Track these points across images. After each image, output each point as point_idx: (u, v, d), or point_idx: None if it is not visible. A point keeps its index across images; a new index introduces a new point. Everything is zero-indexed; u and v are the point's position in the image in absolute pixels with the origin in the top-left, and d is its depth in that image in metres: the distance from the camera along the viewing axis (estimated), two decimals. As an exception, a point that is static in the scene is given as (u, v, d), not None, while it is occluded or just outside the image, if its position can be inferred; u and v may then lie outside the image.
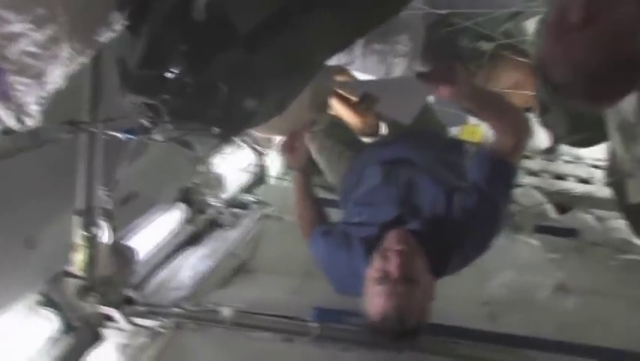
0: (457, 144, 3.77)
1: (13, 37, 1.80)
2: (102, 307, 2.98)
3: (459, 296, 3.25)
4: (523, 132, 3.12)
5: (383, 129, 4.28)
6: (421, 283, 2.70)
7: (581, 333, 3.13)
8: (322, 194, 3.95)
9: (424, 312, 2.75)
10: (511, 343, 3.03)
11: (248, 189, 5.08)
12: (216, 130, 2.30)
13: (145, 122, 2.20)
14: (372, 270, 2.72)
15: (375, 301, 2.69)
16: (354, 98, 3.56)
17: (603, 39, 1.78)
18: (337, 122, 3.86)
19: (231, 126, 2.39)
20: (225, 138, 3.09)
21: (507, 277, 3.88)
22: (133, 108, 2.20)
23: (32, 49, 1.85)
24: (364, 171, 3.50)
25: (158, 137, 2.28)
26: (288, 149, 3.47)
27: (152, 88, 2.11)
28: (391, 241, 2.76)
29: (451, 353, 2.97)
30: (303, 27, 2.25)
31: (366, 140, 3.83)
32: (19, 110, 1.97)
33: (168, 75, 2.08)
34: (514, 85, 5.14)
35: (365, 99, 3.44)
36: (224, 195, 4.59)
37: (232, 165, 4.84)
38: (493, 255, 3.24)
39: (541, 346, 3.01)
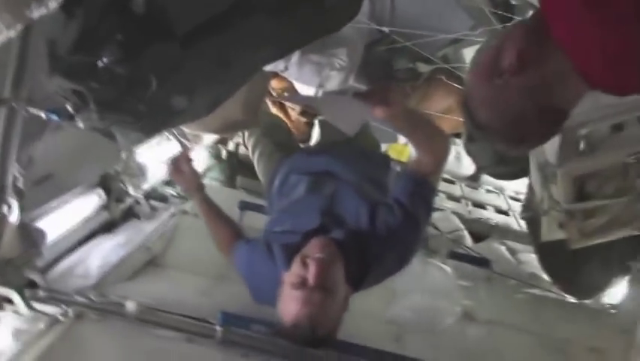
0: (384, 161, 3.85)
1: None
2: (1, 288, 2.92)
3: (366, 312, 3.25)
4: (443, 156, 3.19)
5: (313, 138, 4.31)
6: (338, 293, 2.73)
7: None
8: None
9: (336, 322, 2.80)
10: None
11: (169, 182, 5.01)
12: (140, 124, 2.28)
13: (69, 108, 2.17)
14: (291, 274, 2.74)
15: (289, 306, 2.71)
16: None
17: (530, 89, 1.81)
18: (277, 124, 3.92)
19: (156, 122, 2.38)
20: (149, 132, 3.04)
21: (415, 300, 3.92)
22: (59, 92, 2.16)
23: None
24: (289, 179, 3.54)
25: (80, 124, 2.24)
26: (176, 173, 3.44)
27: (81, 74, 2.09)
28: (313, 247, 2.79)
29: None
30: (241, 30, 2.26)
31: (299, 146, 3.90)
32: None
33: (99, 63, 2.05)
34: (446, 109, 5.26)
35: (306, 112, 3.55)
36: (145, 186, 4.55)
37: (156, 155, 4.74)
38: (404, 275, 3.31)
39: None
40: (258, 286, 3.09)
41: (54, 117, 2.28)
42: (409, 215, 2.97)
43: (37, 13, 2.12)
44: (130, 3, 2.08)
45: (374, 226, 2.97)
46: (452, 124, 5.21)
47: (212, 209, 3.44)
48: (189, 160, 3.47)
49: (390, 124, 3.02)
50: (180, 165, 3.42)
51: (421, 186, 3.05)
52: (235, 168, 5.82)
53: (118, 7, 2.10)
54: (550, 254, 3.88)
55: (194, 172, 3.47)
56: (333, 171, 3.45)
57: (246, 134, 4.29)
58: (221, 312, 2.96)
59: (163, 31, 2.10)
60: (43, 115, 2.38)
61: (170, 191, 4.88)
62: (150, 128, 2.53)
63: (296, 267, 2.75)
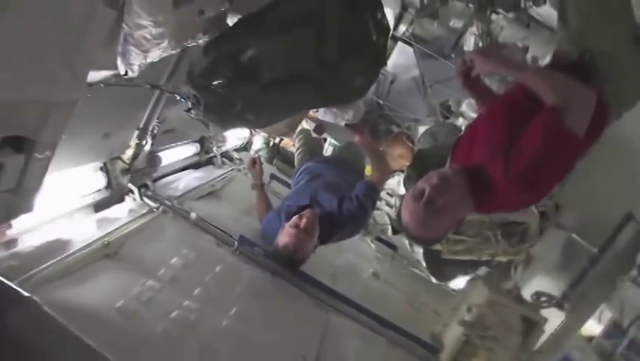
0: (358, 172, 3.87)
1: (140, 27, 1.85)
2: (130, 184, 3.02)
3: (320, 257, 3.29)
4: (386, 176, 3.54)
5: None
6: (312, 239, 2.92)
7: (374, 304, 3.22)
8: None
9: (306, 256, 2.96)
10: (334, 295, 3.08)
11: (237, 149, 5.04)
12: (222, 124, 2.38)
13: (189, 104, 2.26)
14: (291, 221, 2.94)
15: (285, 237, 2.89)
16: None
17: (442, 211, 1.75)
18: (312, 138, 4.04)
19: (232, 125, 2.47)
20: (225, 128, 3.21)
21: (350, 258, 3.97)
22: (187, 93, 2.25)
23: (148, 36, 1.90)
24: (302, 174, 3.67)
25: (192, 115, 2.32)
26: (251, 167, 3.57)
27: (201, 88, 2.18)
28: (307, 213, 2.97)
29: (302, 288, 3.03)
30: (297, 90, 2.30)
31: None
32: (128, 66, 2.02)
33: (212, 85, 2.14)
34: (399, 154, 5.30)
35: (317, 128, 3.67)
36: (223, 148, 4.56)
37: (235, 133, 4.83)
38: (349, 242, 3.49)
39: (348, 302, 3.08)
40: (267, 231, 3.24)
41: (182, 101, 2.34)
42: (362, 206, 3.08)
43: (190, 43, 2.24)
44: (241, 56, 2.18)
45: (340, 210, 3.08)
46: (400, 164, 5.34)
47: (262, 195, 3.56)
48: (261, 163, 3.60)
49: (362, 148, 3.21)
50: (255, 163, 3.55)
51: (372, 189, 3.18)
52: (275, 153, 5.75)
53: (233, 56, 2.18)
54: (430, 254, 3.95)
55: (261, 172, 3.59)
56: (323, 174, 3.53)
57: (296, 138, 4.33)
58: (240, 235, 3.04)
59: (253, 77, 2.16)
60: (177, 97, 2.43)
61: (235, 155, 4.84)
62: (227, 126, 2.63)
63: (295, 219, 2.93)
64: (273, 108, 2.42)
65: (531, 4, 3.02)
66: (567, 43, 1.97)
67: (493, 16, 4.29)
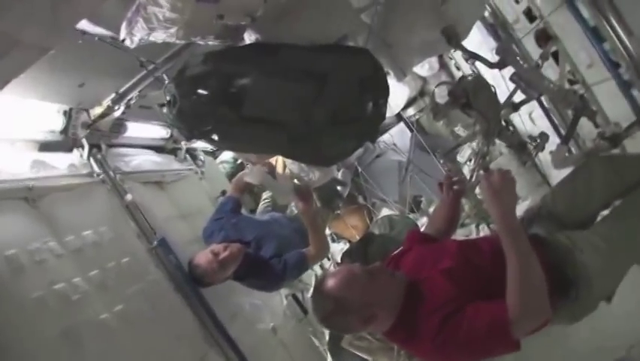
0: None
1: (156, 4, 1.88)
2: (84, 139, 2.94)
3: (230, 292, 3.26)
4: (322, 253, 3.41)
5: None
6: (225, 272, 2.96)
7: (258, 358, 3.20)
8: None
9: (213, 282, 2.98)
10: (223, 335, 3.05)
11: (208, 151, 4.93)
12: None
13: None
14: (215, 247, 2.97)
15: (202, 257, 2.93)
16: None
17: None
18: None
19: (195, 136, 2.46)
20: (188, 138, 3.25)
21: (258, 304, 3.80)
22: (167, 87, 2.26)
23: (160, 16, 1.92)
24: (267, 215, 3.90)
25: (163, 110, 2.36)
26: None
27: (183, 90, 2.21)
28: (236, 247, 3.00)
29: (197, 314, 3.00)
30: (271, 135, 2.38)
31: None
32: (129, 35, 2.03)
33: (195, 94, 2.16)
34: (354, 225, 5.36)
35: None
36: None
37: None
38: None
39: (234, 348, 3.04)
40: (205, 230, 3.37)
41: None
42: (284, 272, 3.12)
43: (198, 41, 2.24)
44: (236, 80, 2.20)
45: (266, 262, 3.14)
46: (350, 234, 5.40)
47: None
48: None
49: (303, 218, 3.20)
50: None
51: (302, 263, 3.20)
52: (237, 171, 5.14)
53: (228, 76, 2.20)
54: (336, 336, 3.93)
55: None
56: (283, 225, 3.61)
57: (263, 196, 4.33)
58: (163, 237, 3.01)
59: (237, 105, 2.18)
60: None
61: (201, 156, 4.58)
62: (189, 137, 2.62)
63: (221, 246, 2.97)
64: (241, 139, 2.44)
65: (535, 150, 3.07)
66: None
67: (497, 141, 4.41)
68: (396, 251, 2.15)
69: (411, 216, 5.12)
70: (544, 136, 2.75)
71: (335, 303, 1.79)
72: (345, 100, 2.59)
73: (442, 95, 4.92)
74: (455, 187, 2.22)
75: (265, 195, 4.22)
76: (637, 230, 1.93)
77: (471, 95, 2.65)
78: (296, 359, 3.76)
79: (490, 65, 2.67)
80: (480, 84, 2.71)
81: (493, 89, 2.73)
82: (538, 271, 1.62)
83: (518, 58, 2.54)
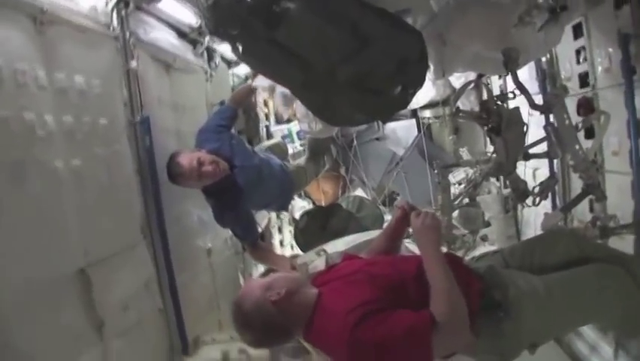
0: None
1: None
2: None
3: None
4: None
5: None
6: (199, 182, 3.04)
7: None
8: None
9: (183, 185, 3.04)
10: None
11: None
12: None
13: None
14: (205, 157, 3.03)
15: (187, 158, 2.98)
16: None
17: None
18: None
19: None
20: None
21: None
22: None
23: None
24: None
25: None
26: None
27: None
28: (223, 165, 3.09)
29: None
30: (291, 68, 2.31)
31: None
32: None
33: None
34: (325, 190, 5.30)
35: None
36: None
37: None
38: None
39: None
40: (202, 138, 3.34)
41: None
42: (232, 224, 3.37)
43: None
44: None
45: (235, 199, 3.23)
46: (318, 196, 5.37)
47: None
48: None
49: None
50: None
51: (242, 242, 3.61)
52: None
53: None
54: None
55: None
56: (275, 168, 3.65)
57: None
58: (147, 116, 2.93)
59: (272, 24, 2.09)
60: None
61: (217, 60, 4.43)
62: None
63: (211, 158, 3.05)
64: (260, 59, 2.38)
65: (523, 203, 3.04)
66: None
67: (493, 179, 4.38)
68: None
69: (381, 207, 5.08)
70: (544, 193, 2.69)
71: (254, 332, 1.87)
72: (377, 71, 2.51)
73: (470, 101, 4.88)
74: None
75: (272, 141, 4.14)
76: (581, 296, 2.01)
77: (504, 123, 2.57)
78: (217, 287, 3.70)
79: (533, 105, 2.59)
80: (516, 117, 2.64)
81: (526, 129, 2.67)
82: (458, 291, 1.73)
83: (564, 111, 2.46)
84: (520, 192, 2.65)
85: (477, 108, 3.22)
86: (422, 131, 5.31)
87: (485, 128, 2.71)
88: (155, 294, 2.85)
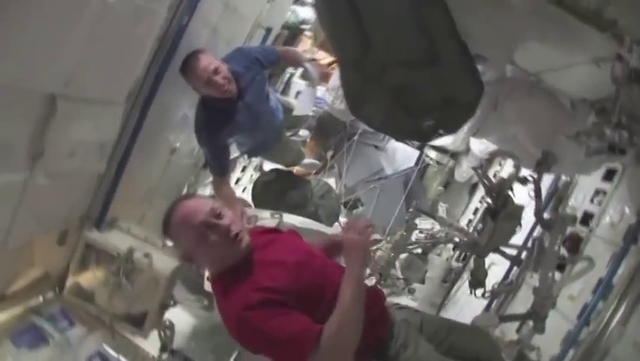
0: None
1: None
2: None
3: None
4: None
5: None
6: (207, 89, 2.93)
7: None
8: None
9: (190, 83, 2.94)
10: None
11: None
12: None
13: None
14: (225, 71, 2.94)
15: (209, 60, 2.88)
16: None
17: None
18: None
19: None
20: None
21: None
22: None
23: None
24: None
25: None
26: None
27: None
28: (233, 88, 3.01)
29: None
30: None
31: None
32: None
33: None
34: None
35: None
36: None
37: None
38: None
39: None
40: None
41: None
42: (208, 149, 3.26)
43: None
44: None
45: (228, 125, 3.14)
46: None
47: None
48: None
49: None
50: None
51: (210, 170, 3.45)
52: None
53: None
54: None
55: None
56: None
57: None
58: None
59: None
60: None
61: None
62: None
63: (227, 76, 2.95)
64: (321, 13, 2.37)
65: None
66: None
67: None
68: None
69: (341, 207, 5.01)
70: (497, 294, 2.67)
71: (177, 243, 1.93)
72: (423, 93, 2.45)
73: (468, 173, 4.84)
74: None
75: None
76: None
77: (505, 212, 2.52)
78: (160, 185, 3.55)
79: (539, 214, 2.56)
80: (517, 214, 2.60)
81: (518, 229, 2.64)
82: (361, 320, 1.68)
83: (560, 237, 2.43)
84: (476, 279, 2.62)
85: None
86: (418, 167, 5.26)
87: (486, 205, 2.65)
88: (104, 158, 2.71)
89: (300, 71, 4.42)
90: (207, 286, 3.02)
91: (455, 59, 2.38)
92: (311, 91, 3.92)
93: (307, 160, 4.54)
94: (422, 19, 2.25)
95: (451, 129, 2.64)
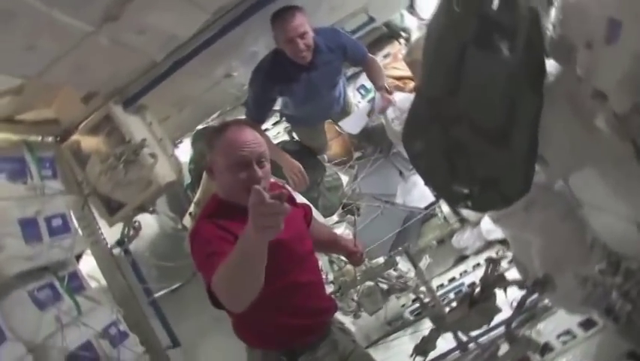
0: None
1: None
2: None
3: None
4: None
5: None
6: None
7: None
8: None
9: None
10: None
11: None
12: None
13: None
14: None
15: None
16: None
17: None
18: None
19: None
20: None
21: None
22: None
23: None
24: None
25: None
26: None
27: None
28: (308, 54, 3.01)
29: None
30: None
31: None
32: None
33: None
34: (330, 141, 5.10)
35: None
36: None
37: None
38: None
39: None
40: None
41: None
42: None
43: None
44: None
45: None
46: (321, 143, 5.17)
47: None
48: None
49: None
50: None
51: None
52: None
53: None
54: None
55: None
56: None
57: None
58: None
59: None
60: None
61: None
62: None
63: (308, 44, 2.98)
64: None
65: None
66: None
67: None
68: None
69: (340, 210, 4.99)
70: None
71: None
72: (470, 162, 2.42)
73: (465, 243, 4.81)
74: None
75: None
76: None
77: (482, 305, 2.51)
78: (200, 99, 3.58)
79: (509, 326, 2.56)
80: (491, 315, 2.58)
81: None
82: (237, 282, 1.53)
83: (516, 355, 2.43)
84: (424, 347, 2.61)
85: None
86: (425, 212, 5.21)
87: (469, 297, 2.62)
88: (166, 50, 2.74)
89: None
90: (186, 220, 3.05)
91: (521, 150, 2.34)
92: (365, 116, 3.90)
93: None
94: (513, 100, 2.22)
95: (479, 208, 2.62)
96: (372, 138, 4.29)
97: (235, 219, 1.73)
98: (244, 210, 1.44)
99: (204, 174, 3.09)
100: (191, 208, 3.08)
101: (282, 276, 1.80)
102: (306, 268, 1.98)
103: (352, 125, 4.06)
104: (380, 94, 3.45)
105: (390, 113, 3.54)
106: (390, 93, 3.45)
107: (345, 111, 4.01)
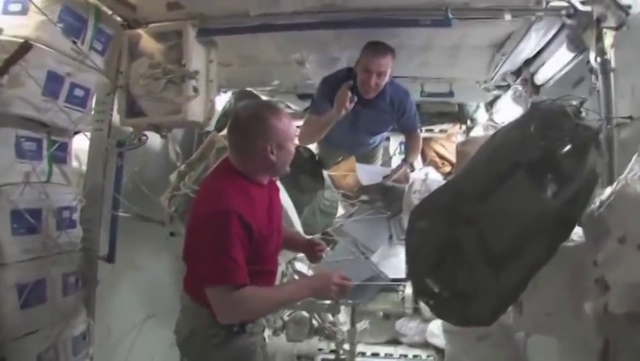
0: None
1: None
2: None
3: None
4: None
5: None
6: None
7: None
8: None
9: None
10: None
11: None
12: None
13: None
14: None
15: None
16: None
17: None
18: None
19: None
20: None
21: None
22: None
23: None
24: None
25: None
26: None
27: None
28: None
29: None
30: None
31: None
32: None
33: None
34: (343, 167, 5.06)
35: None
36: None
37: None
38: None
39: None
40: None
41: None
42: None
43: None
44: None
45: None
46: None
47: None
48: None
49: None
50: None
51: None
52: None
53: None
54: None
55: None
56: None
57: None
58: None
59: None
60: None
61: None
62: None
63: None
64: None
65: None
66: None
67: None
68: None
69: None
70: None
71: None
72: (461, 269, 2.35)
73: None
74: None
75: None
76: None
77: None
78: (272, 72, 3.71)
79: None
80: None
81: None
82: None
83: None
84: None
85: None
86: (389, 283, 5.14)
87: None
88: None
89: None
90: (172, 176, 3.09)
91: (508, 285, 2.30)
92: (380, 176, 3.96)
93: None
94: (529, 239, 2.19)
95: (437, 312, 2.57)
96: (387, 195, 4.24)
97: (248, 194, 2.05)
98: (260, 187, 2.13)
99: (206, 139, 3.14)
100: (183, 166, 3.07)
101: (262, 262, 2.08)
102: (276, 259, 2.32)
103: (366, 175, 4.11)
104: (404, 167, 3.56)
105: (417, 185, 3.56)
106: (412, 170, 3.57)
107: (367, 156, 4.06)
